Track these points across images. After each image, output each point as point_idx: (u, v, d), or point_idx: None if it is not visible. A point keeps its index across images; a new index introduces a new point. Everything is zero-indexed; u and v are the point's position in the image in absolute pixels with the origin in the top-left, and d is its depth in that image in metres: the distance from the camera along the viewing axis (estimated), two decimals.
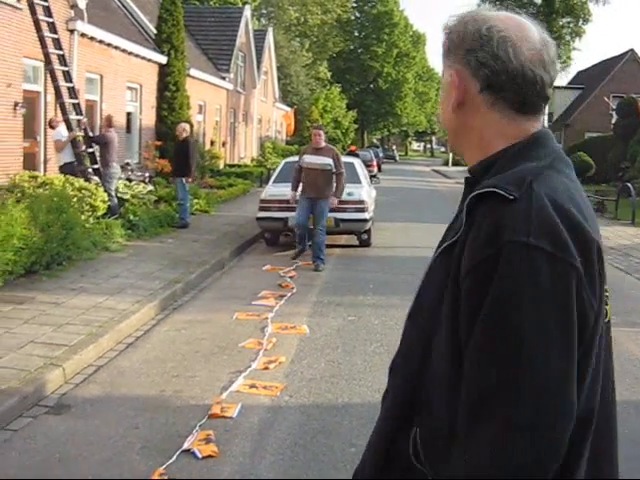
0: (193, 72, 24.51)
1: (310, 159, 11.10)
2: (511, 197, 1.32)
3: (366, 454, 1.58)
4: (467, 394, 1.30)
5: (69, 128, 13.61)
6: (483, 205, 1.35)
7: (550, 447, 1.24)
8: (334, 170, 11.13)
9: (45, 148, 15.35)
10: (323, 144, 11.20)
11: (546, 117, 40.30)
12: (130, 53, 19.83)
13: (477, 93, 1.48)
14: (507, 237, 1.28)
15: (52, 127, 14.09)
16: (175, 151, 15.52)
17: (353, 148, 36.53)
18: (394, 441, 1.50)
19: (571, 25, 37.67)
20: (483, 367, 1.28)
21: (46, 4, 13.76)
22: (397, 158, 79.41)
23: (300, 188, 11.39)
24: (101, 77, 18.32)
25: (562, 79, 79.01)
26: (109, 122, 14.15)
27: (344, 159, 17.45)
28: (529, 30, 1.47)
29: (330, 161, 11.01)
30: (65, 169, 13.29)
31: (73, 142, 13.58)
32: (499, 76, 1.44)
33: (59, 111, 14.18)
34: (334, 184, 11.28)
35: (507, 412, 1.24)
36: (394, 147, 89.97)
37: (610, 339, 1.52)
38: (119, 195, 13.84)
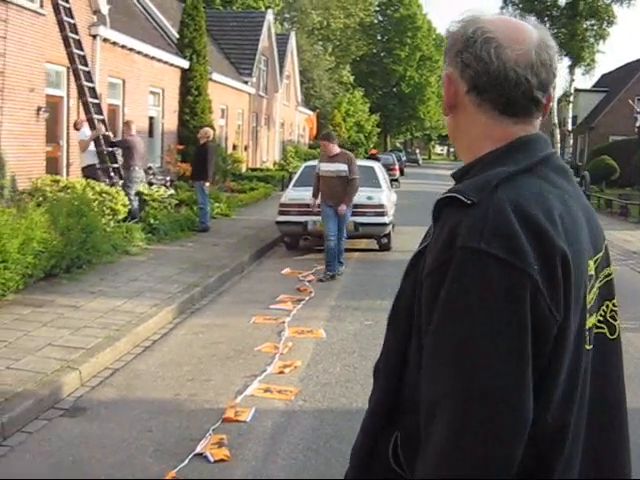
0: (215, 76, 24.62)
1: (325, 167, 10.90)
2: (469, 202, 1.31)
3: (351, 455, 1.57)
4: (422, 399, 1.30)
5: (92, 127, 13.77)
6: (445, 210, 1.36)
7: (496, 457, 1.22)
8: (349, 176, 10.88)
9: (68, 152, 15.49)
10: (336, 151, 10.90)
11: (570, 120, 40.05)
12: (152, 58, 19.96)
13: (464, 94, 1.48)
14: (460, 243, 1.28)
15: (77, 129, 14.25)
16: (194, 155, 15.60)
17: (373, 152, 36.45)
18: (376, 443, 1.50)
19: (595, 27, 37.32)
20: (432, 373, 1.28)
21: (68, 5, 13.89)
22: (420, 162, 79.20)
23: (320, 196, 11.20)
24: (123, 82, 18.45)
25: (586, 82, 78.15)
26: (129, 127, 14.25)
27: (364, 163, 17.42)
28: (523, 33, 1.45)
29: (345, 167, 10.78)
30: (87, 171, 13.44)
31: (96, 141, 13.72)
32: (481, 77, 1.43)
33: (82, 112, 14.32)
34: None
35: (451, 420, 1.23)
36: (417, 151, 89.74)
37: (618, 356, 1.50)
38: (144, 198, 13.93)
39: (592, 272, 1.42)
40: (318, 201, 11.18)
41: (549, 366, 1.29)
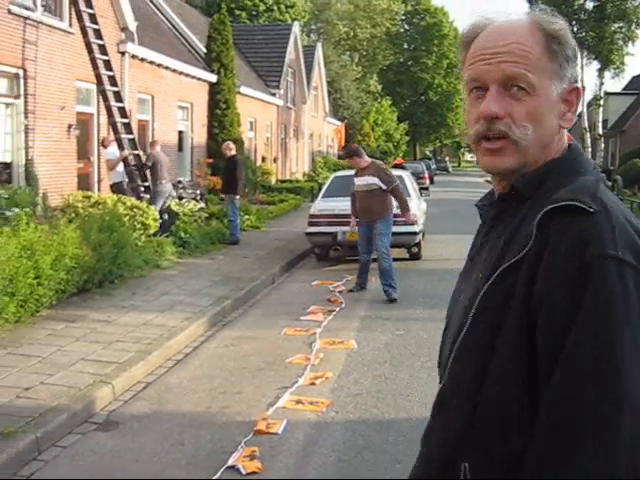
0: (243, 89, 24.77)
1: (357, 182, 10.39)
2: (592, 210, 1.27)
3: None
4: (552, 419, 1.23)
5: (121, 147, 13.92)
6: (558, 219, 1.29)
7: None
8: (384, 187, 10.19)
9: (98, 168, 15.67)
10: (365, 163, 10.35)
11: (600, 124, 39.69)
12: (180, 73, 20.14)
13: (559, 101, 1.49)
14: (595, 251, 1.24)
15: (104, 146, 14.47)
16: (224, 169, 15.70)
17: (399, 161, 36.33)
18: (442, 475, 1.42)
19: (624, 30, 36.98)
20: (571, 390, 1.22)
21: (97, 27, 14.08)
22: (450, 169, 78.93)
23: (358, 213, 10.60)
24: (152, 97, 18.63)
25: (616, 85, 77.06)
26: (154, 146, 14.47)
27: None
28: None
29: (375, 180, 10.11)
30: (116, 188, 13.66)
31: (125, 161, 13.89)
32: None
33: (111, 131, 14.49)
34: (391, 202, 10.38)
35: (609, 436, 1.18)
36: (447, 158, 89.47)
37: None
38: (175, 212, 14.07)
39: None
40: (354, 220, 10.66)
41: None
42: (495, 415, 1.32)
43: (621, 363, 1.18)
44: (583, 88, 37.94)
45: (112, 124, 14.09)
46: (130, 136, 14.42)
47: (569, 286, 1.23)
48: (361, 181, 10.31)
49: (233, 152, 15.05)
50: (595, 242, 1.24)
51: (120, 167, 14.10)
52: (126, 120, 14.42)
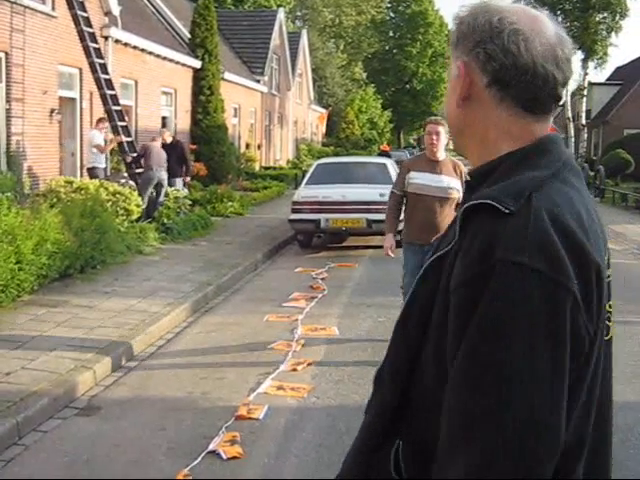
0: (227, 76, 24.67)
1: (423, 179, 6.68)
2: (507, 211, 1.23)
3: (345, 465, 1.51)
4: (448, 417, 1.23)
5: (116, 133, 13.96)
6: (477, 217, 1.26)
7: (533, 476, 1.16)
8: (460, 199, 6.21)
9: (81, 154, 15.56)
10: (443, 154, 6.76)
11: (584, 114, 39.84)
12: (164, 58, 20.02)
13: (484, 88, 1.38)
14: (500, 255, 1.20)
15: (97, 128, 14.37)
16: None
17: (385, 147, 36.25)
18: (375, 454, 1.44)
19: (608, 20, 37.05)
20: (465, 392, 1.20)
21: (86, 15, 14.00)
22: None
23: (404, 229, 6.96)
24: (136, 82, 18.52)
25: (600, 75, 77.42)
26: (154, 139, 14.56)
27: (375, 159, 17.34)
28: (543, 24, 1.37)
29: (456, 183, 6.63)
30: (92, 172, 13.69)
31: (120, 147, 13.98)
32: (508, 71, 1.34)
33: (94, 117, 14.46)
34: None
35: (487, 443, 1.16)
36: None
37: (610, 356, 1.43)
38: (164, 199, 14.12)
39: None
40: (393, 240, 6.98)
41: (575, 383, 1.23)
42: (424, 400, 1.33)
43: (507, 370, 1.16)
44: None
45: (107, 111, 14.04)
46: (123, 123, 14.38)
47: (471, 288, 1.21)
48: (435, 180, 6.64)
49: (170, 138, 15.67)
50: (501, 246, 1.20)
51: (101, 154, 14.11)
52: (119, 107, 14.37)
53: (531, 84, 1.34)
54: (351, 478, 1.49)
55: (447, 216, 6.42)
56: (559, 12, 37.08)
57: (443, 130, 6.52)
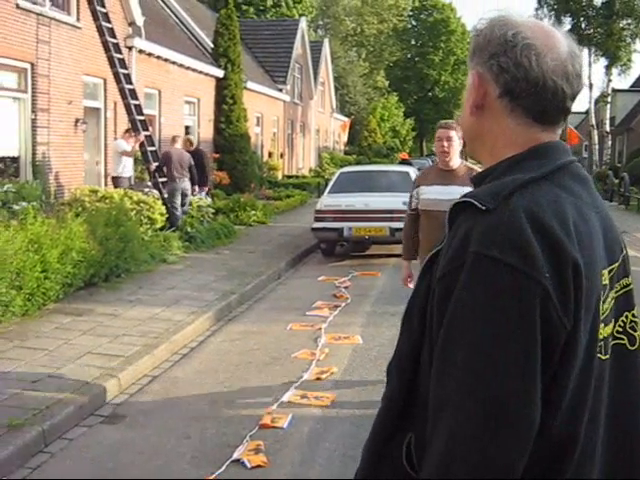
0: (250, 85, 24.77)
1: (432, 193, 5.65)
2: (484, 208, 1.31)
3: (362, 454, 1.57)
4: (430, 401, 1.31)
5: (135, 128, 14.08)
6: (461, 215, 1.36)
7: (495, 464, 1.21)
8: None
9: (105, 163, 15.68)
10: (457, 161, 5.70)
11: (607, 121, 39.56)
12: (187, 68, 20.15)
13: (496, 98, 1.46)
14: (472, 248, 1.28)
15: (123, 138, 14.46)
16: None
17: (404, 155, 36.20)
18: (388, 443, 1.50)
19: (631, 27, 36.81)
20: (439, 376, 1.29)
21: (110, 25, 14.14)
22: None
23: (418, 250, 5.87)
24: (159, 92, 18.65)
25: (623, 82, 76.91)
26: (173, 141, 14.57)
27: (398, 168, 17.25)
28: (557, 40, 1.45)
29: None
30: (116, 181, 13.77)
31: (144, 156, 14.06)
32: (519, 83, 1.42)
33: (118, 126, 14.57)
34: None
35: (453, 423, 1.23)
36: None
37: (637, 366, 1.48)
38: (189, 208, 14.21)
39: (606, 282, 1.40)
40: (410, 269, 5.97)
41: (557, 374, 1.28)
42: (425, 395, 1.37)
43: (474, 357, 1.23)
44: (591, 85, 37.87)
45: (132, 121, 14.13)
46: (147, 132, 14.49)
47: (448, 281, 1.30)
48: (444, 193, 5.43)
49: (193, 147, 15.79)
50: (475, 240, 1.28)
51: (129, 162, 14.18)
52: (142, 117, 14.47)
53: (540, 96, 1.42)
54: (366, 466, 1.55)
55: None
56: (582, 19, 36.96)
57: (455, 135, 5.52)
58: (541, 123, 1.45)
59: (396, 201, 12.60)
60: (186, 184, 14.09)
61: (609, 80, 38.92)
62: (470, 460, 1.21)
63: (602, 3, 36.86)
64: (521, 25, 1.45)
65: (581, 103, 42.03)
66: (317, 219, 13.09)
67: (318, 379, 6.32)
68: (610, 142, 41.50)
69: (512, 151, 1.45)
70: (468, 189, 3.92)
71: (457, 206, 1.37)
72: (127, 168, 14.20)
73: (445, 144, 5.54)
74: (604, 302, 1.39)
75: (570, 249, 1.29)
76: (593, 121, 38.60)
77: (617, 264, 1.46)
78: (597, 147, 38.81)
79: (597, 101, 39.72)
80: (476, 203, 1.32)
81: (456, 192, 4.73)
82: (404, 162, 28.25)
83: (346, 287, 10.49)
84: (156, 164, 14.26)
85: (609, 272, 1.42)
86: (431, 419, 1.30)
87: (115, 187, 13.42)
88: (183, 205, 14.00)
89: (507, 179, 1.38)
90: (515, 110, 1.45)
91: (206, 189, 16.29)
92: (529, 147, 1.44)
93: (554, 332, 1.27)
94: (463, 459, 1.22)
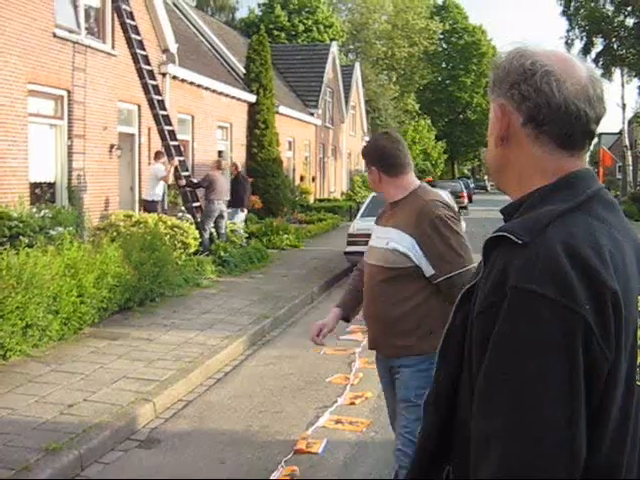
0: (282, 109, 24.93)
1: (372, 239, 3.77)
2: (520, 242, 1.32)
3: None
4: (472, 437, 1.31)
5: (169, 154, 14.30)
6: (496, 249, 1.36)
7: None
8: (425, 270, 3.45)
9: (139, 188, 15.85)
10: (405, 190, 3.65)
11: None
12: (220, 93, 20.35)
13: (520, 127, 1.47)
14: (511, 283, 1.28)
15: (155, 160, 14.66)
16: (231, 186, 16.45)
17: (429, 179, 36.04)
18: (427, 477, 1.51)
19: None
20: (484, 411, 1.28)
21: (145, 53, 14.36)
22: (488, 188, 78.43)
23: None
24: (192, 117, 18.84)
25: None
26: (218, 165, 14.85)
27: None
28: (575, 65, 1.47)
29: (408, 241, 3.44)
30: (148, 205, 13.93)
31: (177, 182, 14.29)
32: (542, 109, 1.43)
33: (152, 152, 14.75)
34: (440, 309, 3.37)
35: (501, 461, 1.23)
36: (485, 177, 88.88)
37: None
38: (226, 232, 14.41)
39: None
40: (332, 318, 4.07)
41: (600, 405, 1.28)
42: (463, 430, 1.39)
43: (519, 391, 1.24)
44: (624, 106, 37.58)
45: (165, 147, 14.32)
46: (181, 158, 14.66)
47: (488, 317, 1.31)
48: (378, 239, 3.66)
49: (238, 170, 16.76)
50: (514, 275, 1.29)
51: (160, 186, 14.35)
52: (176, 143, 14.64)
53: (564, 121, 1.44)
54: None
55: (401, 305, 3.46)
56: (614, 39, 36.74)
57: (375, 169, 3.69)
58: (567, 149, 1.46)
59: None
60: (223, 206, 14.27)
61: None
62: None
63: (634, 24, 36.63)
64: (538, 54, 1.47)
65: (614, 124, 41.77)
66: (350, 243, 13.07)
67: (352, 404, 6.30)
68: None
69: (540, 180, 1.46)
70: (405, 237, 3.31)
71: (491, 240, 1.38)
72: (159, 192, 14.36)
73: (377, 181, 3.69)
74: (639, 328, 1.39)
75: (608, 279, 1.29)
76: (627, 142, 38.27)
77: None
78: (631, 168, 38.45)
79: (630, 122, 39.43)
80: (512, 237, 1.33)
81: (387, 238, 3.48)
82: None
83: None
84: (189, 188, 14.41)
85: None
86: (476, 454, 1.29)
87: (147, 211, 13.56)
88: (219, 228, 14.15)
89: (541, 211, 1.38)
90: (540, 137, 1.46)
91: (245, 212, 16.67)
92: (558, 177, 1.45)
93: (596, 363, 1.27)
94: None
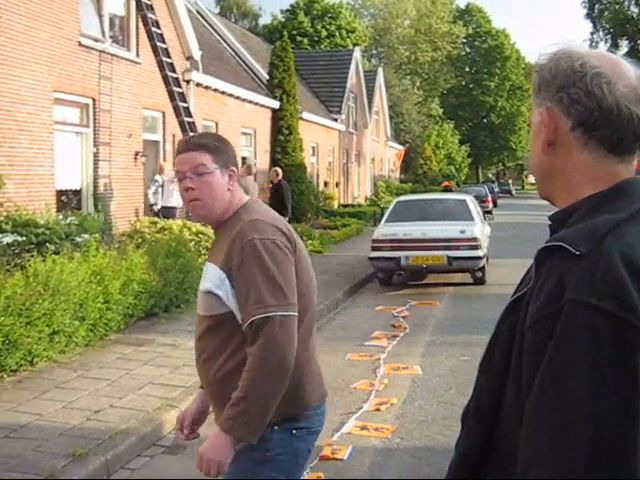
0: (305, 115, 24.99)
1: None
2: (577, 253, 1.26)
3: None
4: (522, 452, 1.26)
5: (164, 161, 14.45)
6: (550, 259, 1.31)
7: None
8: (235, 313, 2.52)
9: (162, 195, 15.94)
10: (226, 206, 2.65)
11: None
12: (244, 100, 20.44)
13: (568, 132, 1.40)
14: (569, 295, 1.23)
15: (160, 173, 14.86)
16: (272, 194, 16.44)
17: (446, 184, 35.90)
18: None
19: None
20: (536, 428, 1.23)
21: (170, 61, 14.47)
22: (513, 192, 78.05)
23: None
24: (216, 124, 18.93)
25: None
26: (249, 171, 15.02)
27: (455, 196, 17.14)
28: (624, 67, 1.41)
29: (217, 276, 2.54)
30: (164, 211, 14.11)
31: None
32: (593, 113, 1.36)
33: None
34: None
35: (555, 476, 1.19)
36: (510, 181, 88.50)
37: None
38: None
39: None
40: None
41: None
42: (507, 443, 1.34)
43: (575, 409, 1.19)
44: None
45: None
46: None
47: (542, 329, 1.26)
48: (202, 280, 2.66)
49: (280, 177, 16.31)
50: (571, 287, 1.24)
51: (177, 193, 14.43)
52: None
53: (616, 125, 1.37)
54: None
55: (224, 365, 2.58)
56: (639, 41, 36.41)
57: (212, 161, 2.61)
58: (617, 154, 1.40)
59: (454, 229, 12.58)
60: None
61: None
62: None
63: None
64: (586, 55, 1.41)
65: None
66: (374, 248, 13.06)
67: (377, 410, 6.28)
68: None
69: (591, 186, 1.40)
70: (217, 272, 2.48)
71: (545, 249, 1.33)
72: (176, 198, 14.42)
73: (189, 182, 2.61)
74: None
75: None
76: None
77: None
78: None
79: None
80: (568, 247, 1.28)
81: (207, 277, 2.60)
82: (446, 190, 27.95)
83: (404, 317, 10.43)
84: None
85: None
86: (524, 470, 1.25)
87: (165, 217, 13.61)
88: None
89: (597, 221, 1.32)
90: (589, 142, 1.39)
91: (286, 219, 16.61)
92: (610, 184, 1.39)
93: None
94: None
